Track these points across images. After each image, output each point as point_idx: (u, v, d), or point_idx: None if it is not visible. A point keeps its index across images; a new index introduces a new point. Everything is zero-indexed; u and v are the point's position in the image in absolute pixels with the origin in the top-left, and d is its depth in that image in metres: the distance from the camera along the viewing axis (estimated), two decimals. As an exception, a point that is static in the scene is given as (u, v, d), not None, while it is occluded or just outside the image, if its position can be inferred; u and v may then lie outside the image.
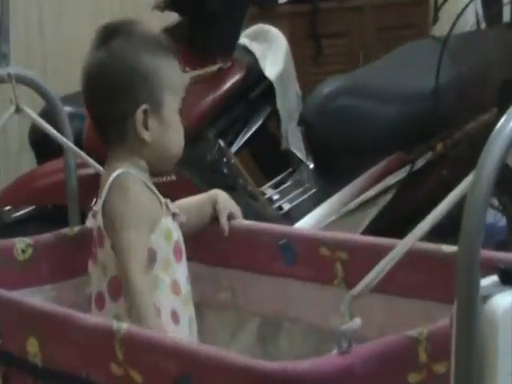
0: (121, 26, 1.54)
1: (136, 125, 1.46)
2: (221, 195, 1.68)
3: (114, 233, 1.45)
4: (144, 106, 1.45)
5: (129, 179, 1.44)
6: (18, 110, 1.78)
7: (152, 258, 1.49)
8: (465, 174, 0.96)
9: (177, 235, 1.53)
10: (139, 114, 1.45)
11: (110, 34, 1.51)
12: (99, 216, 1.47)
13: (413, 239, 1.01)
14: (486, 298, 0.95)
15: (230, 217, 1.67)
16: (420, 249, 1.24)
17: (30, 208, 2.48)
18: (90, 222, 1.56)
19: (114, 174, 1.45)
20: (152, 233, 1.47)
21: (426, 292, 1.41)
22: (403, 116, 2.51)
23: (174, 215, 1.53)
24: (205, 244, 1.74)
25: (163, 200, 1.52)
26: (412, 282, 1.33)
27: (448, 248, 1.37)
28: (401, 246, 1.02)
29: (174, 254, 1.54)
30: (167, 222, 1.50)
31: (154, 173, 1.58)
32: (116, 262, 1.47)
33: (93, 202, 1.58)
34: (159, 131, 1.49)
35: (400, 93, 2.56)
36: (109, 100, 1.49)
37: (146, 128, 1.46)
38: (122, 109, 1.47)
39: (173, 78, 1.53)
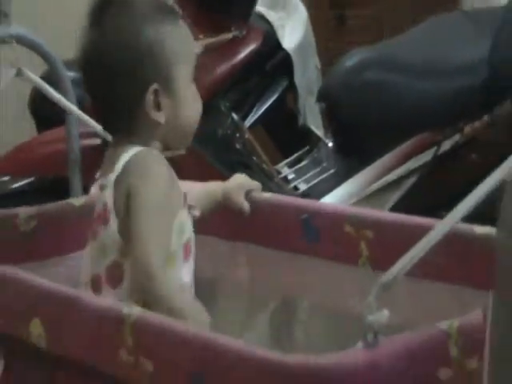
0: None
1: (147, 108, 1.35)
2: (238, 177, 1.63)
3: (133, 213, 1.34)
4: (153, 86, 1.34)
5: (154, 158, 1.35)
6: (20, 73, 1.75)
7: None
8: (496, 159, 0.93)
9: (189, 231, 1.44)
10: (149, 96, 1.35)
11: (103, 8, 1.39)
12: (109, 191, 1.37)
13: (451, 222, 0.96)
14: None
15: (248, 193, 1.62)
16: (454, 230, 1.17)
17: (30, 179, 2.43)
18: (94, 195, 1.46)
19: (132, 152, 1.35)
20: (172, 223, 1.41)
21: (456, 275, 1.37)
22: (440, 92, 2.40)
23: (189, 208, 1.45)
24: (221, 217, 1.66)
25: (183, 190, 1.46)
26: (441, 264, 1.28)
27: (480, 229, 1.34)
28: (437, 230, 0.97)
29: (183, 251, 1.44)
30: (183, 215, 1.41)
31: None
32: (120, 246, 1.38)
33: (97, 174, 1.46)
34: (173, 109, 1.39)
35: (430, 67, 2.45)
36: (111, 85, 1.39)
37: (159, 109, 1.36)
38: (128, 93, 1.36)
39: (181, 46, 1.42)
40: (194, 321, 1.31)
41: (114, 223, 1.36)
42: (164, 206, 1.36)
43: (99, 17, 1.38)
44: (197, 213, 1.47)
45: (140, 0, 1.43)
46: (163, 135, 1.39)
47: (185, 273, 1.45)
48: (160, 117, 1.36)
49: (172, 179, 1.40)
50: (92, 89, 1.42)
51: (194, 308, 1.36)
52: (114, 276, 1.39)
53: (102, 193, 1.40)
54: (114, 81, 1.37)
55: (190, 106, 1.41)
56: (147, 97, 1.33)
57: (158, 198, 1.35)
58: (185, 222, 1.42)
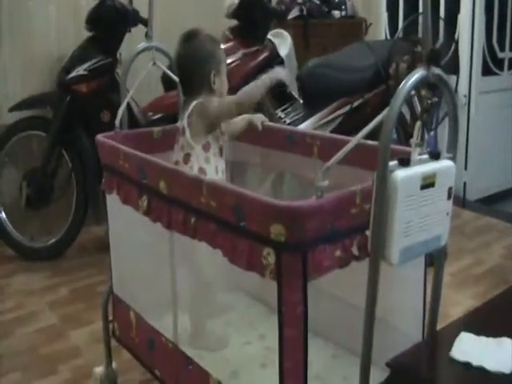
0: (195, 31, 2.05)
1: (210, 80, 1.99)
2: (256, 116, 2.14)
3: (207, 112, 1.92)
4: (213, 72, 2.00)
5: (207, 101, 1.96)
6: (155, 64, 2.31)
7: (207, 147, 2.00)
8: (379, 111, 1.29)
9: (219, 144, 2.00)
10: (211, 75, 1.99)
11: (190, 36, 2.05)
12: (185, 118, 1.97)
13: (358, 138, 1.33)
14: (391, 171, 1.26)
15: (262, 121, 2.17)
16: (358, 142, 1.35)
17: (161, 114, 3.58)
18: (179, 124, 2.06)
19: (196, 101, 1.97)
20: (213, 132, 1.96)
21: (359, 163, 1.76)
22: (348, 79, 3.61)
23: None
24: (247, 133, 2.21)
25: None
26: (352, 158, 1.44)
27: (372, 142, 1.72)
28: (349, 145, 1.32)
29: (219, 150, 2.03)
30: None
31: None
32: (188, 143, 1.95)
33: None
34: (218, 84, 2.02)
35: (347, 67, 3.62)
36: (193, 71, 2.01)
37: (214, 83, 2.00)
38: (202, 74, 1.99)
39: (222, 57, 2.06)
40: (255, 89, 1.96)
41: (188, 132, 1.97)
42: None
43: (185, 40, 2.04)
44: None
45: (206, 35, 2.05)
46: (214, 94, 1.99)
47: (220, 163, 2.00)
48: (213, 86, 1.99)
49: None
50: (182, 73, 2.06)
51: (247, 91, 1.95)
52: (186, 159, 1.98)
53: (183, 120, 1.97)
54: (194, 68, 2.00)
55: (224, 83, 2.03)
56: (211, 75, 1.98)
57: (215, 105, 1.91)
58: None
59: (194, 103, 1.96)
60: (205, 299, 2.08)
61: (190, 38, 2.02)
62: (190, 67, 1.99)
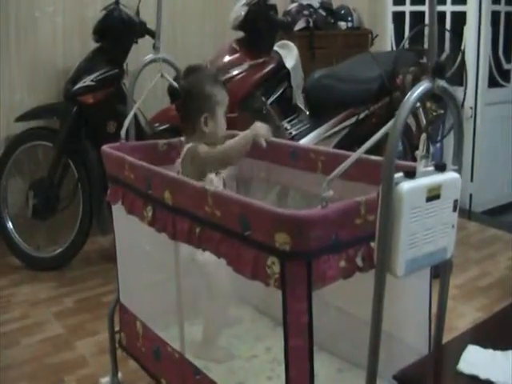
0: (195, 68, 2.06)
1: (200, 122, 2.02)
2: (260, 126, 2.00)
3: (198, 158, 1.94)
4: (205, 114, 2.02)
5: (196, 148, 1.96)
6: (162, 76, 2.33)
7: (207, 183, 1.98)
8: (385, 122, 1.29)
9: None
10: (203, 118, 2.01)
11: (190, 71, 2.06)
12: (179, 164, 2.04)
13: (360, 152, 1.33)
14: (397, 183, 1.26)
15: (266, 138, 2.00)
16: (361, 157, 1.38)
17: (166, 125, 3.62)
18: (177, 163, 2.07)
19: (189, 145, 1.99)
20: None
21: (362, 178, 1.80)
22: (354, 90, 3.58)
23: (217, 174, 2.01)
24: (252, 149, 2.07)
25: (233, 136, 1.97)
26: (354, 173, 1.57)
27: (375, 157, 1.75)
28: (354, 156, 1.34)
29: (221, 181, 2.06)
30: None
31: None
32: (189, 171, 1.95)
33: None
34: (212, 127, 2.03)
35: (353, 78, 3.61)
36: (190, 108, 2.03)
37: (206, 125, 2.02)
38: (195, 114, 2.01)
39: (222, 98, 2.04)
40: (237, 144, 1.91)
41: (183, 170, 2.00)
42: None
43: (188, 75, 2.06)
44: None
45: (206, 72, 2.09)
46: (206, 137, 2.01)
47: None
48: (206, 129, 2.00)
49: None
50: (180, 108, 2.07)
51: (231, 146, 1.90)
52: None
53: (178, 164, 2.02)
54: (190, 106, 2.02)
55: (219, 127, 2.03)
56: (202, 118, 2.00)
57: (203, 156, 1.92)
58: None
59: (185, 148, 1.99)
60: (219, 311, 2.09)
61: (189, 73, 2.04)
62: (186, 104, 2.02)
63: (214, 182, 2.00)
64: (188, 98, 2.00)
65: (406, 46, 3.79)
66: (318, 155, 2.07)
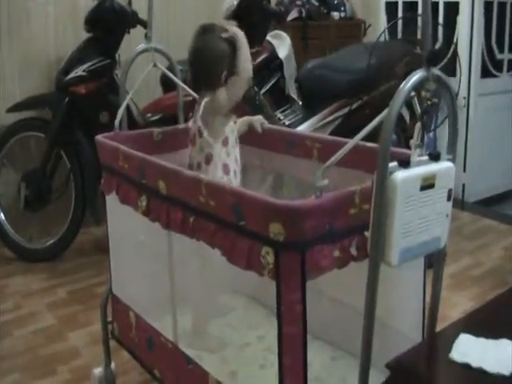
0: (209, 26, 1.98)
1: (220, 80, 1.95)
2: (255, 117, 2.11)
3: (218, 105, 1.89)
4: (224, 72, 1.95)
5: (219, 96, 1.92)
6: (155, 65, 2.30)
7: (225, 141, 1.99)
8: (378, 112, 1.28)
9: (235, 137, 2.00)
10: (222, 76, 1.95)
11: (205, 31, 1.97)
12: (200, 119, 1.95)
13: (356, 140, 1.33)
14: (391, 172, 1.25)
15: (262, 124, 2.15)
16: (357, 144, 1.36)
17: (160, 115, 3.55)
18: (191, 125, 2.02)
19: (206, 99, 1.96)
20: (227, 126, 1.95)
21: (358, 165, 1.78)
22: (347, 80, 3.58)
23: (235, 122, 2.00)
24: (247, 135, 2.17)
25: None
26: (350, 160, 1.49)
27: (371, 144, 1.74)
28: (350, 143, 1.32)
29: (235, 139, 2.03)
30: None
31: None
32: (208, 143, 1.92)
33: (190, 115, 2.05)
34: (231, 85, 1.97)
35: (346, 68, 3.60)
36: (204, 68, 1.95)
37: (226, 82, 1.97)
38: (213, 72, 1.95)
39: (242, 56, 1.97)
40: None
41: (206, 133, 1.95)
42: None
43: (198, 36, 1.96)
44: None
45: (217, 28, 1.96)
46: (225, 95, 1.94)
47: (237, 153, 1.99)
48: (225, 86, 1.95)
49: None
50: (193, 71, 1.98)
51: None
52: (209, 159, 1.97)
53: (196, 122, 1.96)
54: (206, 66, 1.94)
55: (239, 87, 1.97)
56: (221, 77, 1.94)
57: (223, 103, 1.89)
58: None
59: (203, 103, 1.95)
60: (207, 300, 2.07)
61: (204, 32, 1.97)
62: (201, 64, 1.96)
63: (237, 156, 2.01)
64: (204, 57, 1.94)
65: (384, 36, 3.93)
66: (314, 142, 2.06)
